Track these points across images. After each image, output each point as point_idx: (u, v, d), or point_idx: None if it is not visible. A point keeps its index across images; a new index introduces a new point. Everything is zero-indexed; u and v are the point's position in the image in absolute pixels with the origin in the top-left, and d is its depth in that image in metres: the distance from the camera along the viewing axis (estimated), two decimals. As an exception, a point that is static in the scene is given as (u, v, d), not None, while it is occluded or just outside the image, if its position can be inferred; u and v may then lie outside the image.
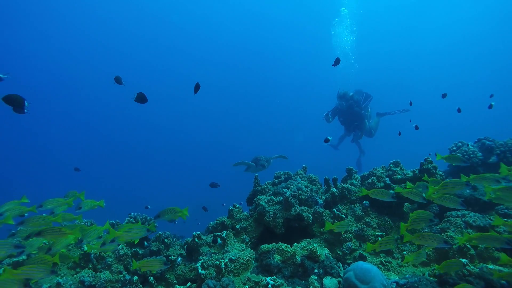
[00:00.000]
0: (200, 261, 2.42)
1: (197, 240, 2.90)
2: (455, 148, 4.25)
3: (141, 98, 3.03)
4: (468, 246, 2.16)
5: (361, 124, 7.36)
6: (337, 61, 4.20)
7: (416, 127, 4.53)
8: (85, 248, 3.10)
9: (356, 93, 7.42)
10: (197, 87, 3.11)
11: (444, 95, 4.42)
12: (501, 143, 4.08)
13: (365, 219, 2.89)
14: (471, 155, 3.94)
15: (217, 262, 2.31)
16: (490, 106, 4.24)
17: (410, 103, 4.87)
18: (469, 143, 4.21)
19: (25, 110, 2.40)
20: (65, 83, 27.27)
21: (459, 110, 4.72)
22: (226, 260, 2.37)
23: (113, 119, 29.49)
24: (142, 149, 28.36)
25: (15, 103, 2.36)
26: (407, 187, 2.44)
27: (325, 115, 7.23)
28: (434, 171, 2.86)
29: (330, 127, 7.77)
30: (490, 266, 1.99)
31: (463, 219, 2.47)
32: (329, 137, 4.01)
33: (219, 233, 2.90)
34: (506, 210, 2.90)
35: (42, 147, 26.75)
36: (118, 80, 3.50)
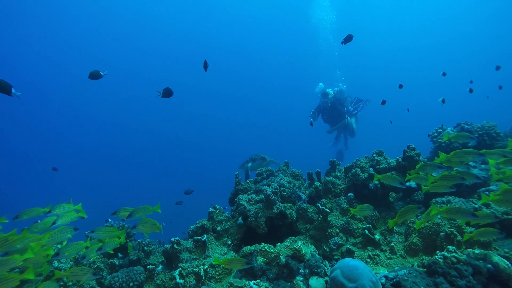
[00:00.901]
0: (178, 269, 2.25)
1: (176, 246, 2.72)
2: (436, 134, 4.25)
3: (167, 93, 3.01)
4: (455, 232, 2.10)
5: (341, 121, 7.52)
6: (348, 38, 4.01)
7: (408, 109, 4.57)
8: (56, 264, 2.86)
9: (338, 93, 7.58)
10: (205, 64, 3.04)
11: (444, 74, 4.40)
12: (479, 126, 4.12)
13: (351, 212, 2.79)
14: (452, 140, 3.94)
15: (196, 269, 2.15)
16: (471, 90, 4.28)
17: (400, 86, 4.82)
18: (448, 128, 4.22)
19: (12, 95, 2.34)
20: (43, 87, 26.18)
21: (443, 101, 4.74)
22: (206, 267, 2.21)
23: (95, 123, 28.64)
24: (122, 153, 27.66)
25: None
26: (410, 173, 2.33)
27: (312, 113, 7.37)
28: (418, 158, 2.80)
29: (317, 125, 7.82)
30: (477, 251, 1.93)
31: (448, 205, 2.42)
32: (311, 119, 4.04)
33: (199, 237, 2.73)
34: (487, 193, 2.89)
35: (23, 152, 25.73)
36: (95, 76, 3.17)
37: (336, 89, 7.49)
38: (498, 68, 4.46)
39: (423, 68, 29.36)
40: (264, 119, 30.78)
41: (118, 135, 29.00)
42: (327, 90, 7.25)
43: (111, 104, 28.88)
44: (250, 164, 5.14)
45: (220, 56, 30.06)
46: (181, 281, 2.13)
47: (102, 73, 3.27)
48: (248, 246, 2.29)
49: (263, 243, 2.29)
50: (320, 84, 8.24)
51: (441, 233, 2.16)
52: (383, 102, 5.22)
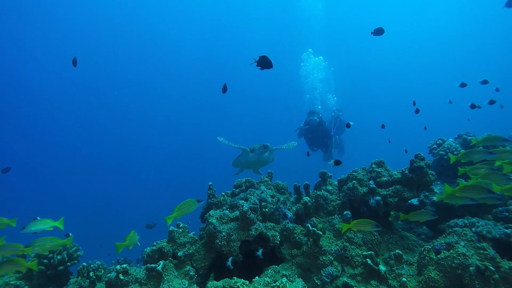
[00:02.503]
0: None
1: (121, 277, 2.06)
2: (435, 146, 3.84)
3: (265, 62, 2.50)
4: (491, 268, 1.58)
5: (329, 142, 7.22)
6: (379, 31, 3.57)
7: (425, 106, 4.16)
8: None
9: (335, 112, 7.53)
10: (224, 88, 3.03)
11: (482, 79, 4.04)
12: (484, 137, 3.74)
13: (348, 234, 2.25)
14: (454, 152, 3.52)
15: (137, 317, 1.51)
16: (473, 106, 4.01)
17: (417, 110, 4.42)
18: (449, 139, 3.82)
19: None
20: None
21: (417, 111, 4.41)
22: (153, 312, 1.58)
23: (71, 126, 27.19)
24: (104, 158, 26.29)
25: None
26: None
27: (297, 130, 7.16)
28: (427, 169, 2.32)
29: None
30: (527, 296, 1.41)
31: (472, 229, 1.91)
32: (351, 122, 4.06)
33: (153, 265, 2.08)
34: (506, 214, 2.43)
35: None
36: (74, 62, 3.79)
37: (334, 108, 7.43)
38: (497, 90, 4.23)
39: (415, 69, 28.23)
40: (246, 123, 29.92)
41: (99, 140, 27.66)
42: (315, 107, 7.06)
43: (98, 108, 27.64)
44: (243, 157, 3.80)
45: (206, 53, 29.10)
46: (113, 335, 1.48)
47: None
48: (214, 281, 1.68)
49: (235, 277, 1.69)
50: (308, 96, 8.04)
51: (470, 268, 1.64)
52: (383, 126, 4.78)
